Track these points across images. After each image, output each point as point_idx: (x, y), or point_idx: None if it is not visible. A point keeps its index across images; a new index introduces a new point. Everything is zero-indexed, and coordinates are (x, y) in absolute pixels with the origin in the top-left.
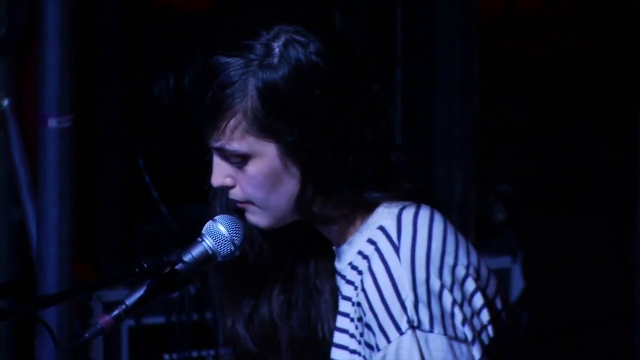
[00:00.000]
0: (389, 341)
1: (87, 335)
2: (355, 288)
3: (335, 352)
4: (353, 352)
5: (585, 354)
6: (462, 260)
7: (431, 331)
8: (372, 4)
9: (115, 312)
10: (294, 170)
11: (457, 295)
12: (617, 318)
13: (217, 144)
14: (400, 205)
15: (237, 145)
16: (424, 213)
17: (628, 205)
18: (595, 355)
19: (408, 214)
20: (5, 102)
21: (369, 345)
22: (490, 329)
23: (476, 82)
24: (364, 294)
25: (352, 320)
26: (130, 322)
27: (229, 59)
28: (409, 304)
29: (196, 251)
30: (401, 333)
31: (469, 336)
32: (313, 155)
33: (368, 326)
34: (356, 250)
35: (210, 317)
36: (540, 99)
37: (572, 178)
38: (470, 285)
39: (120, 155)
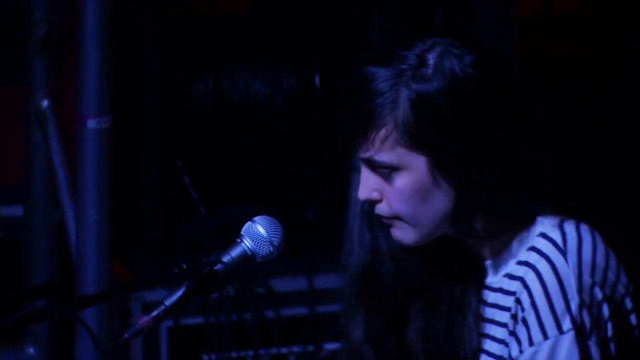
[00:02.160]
0: (546, 337)
1: (126, 335)
2: (514, 293)
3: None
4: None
5: None
6: (623, 279)
7: (590, 338)
8: (412, 4)
9: (155, 313)
10: (444, 185)
11: (611, 312)
12: None
13: (366, 155)
14: (558, 218)
15: (386, 156)
16: (586, 227)
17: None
18: None
19: (570, 226)
20: (45, 103)
21: (516, 339)
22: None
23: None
24: (527, 291)
25: (505, 328)
26: (169, 323)
27: (380, 69)
28: (574, 305)
29: (235, 252)
30: (562, 332)
31: (612, 349)
32: (465, 170)
33: (524, 320)
34: (515, 261)
35: (249, 318)
36: (572, 99)
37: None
38: (627, 304)
39: (159, 156)
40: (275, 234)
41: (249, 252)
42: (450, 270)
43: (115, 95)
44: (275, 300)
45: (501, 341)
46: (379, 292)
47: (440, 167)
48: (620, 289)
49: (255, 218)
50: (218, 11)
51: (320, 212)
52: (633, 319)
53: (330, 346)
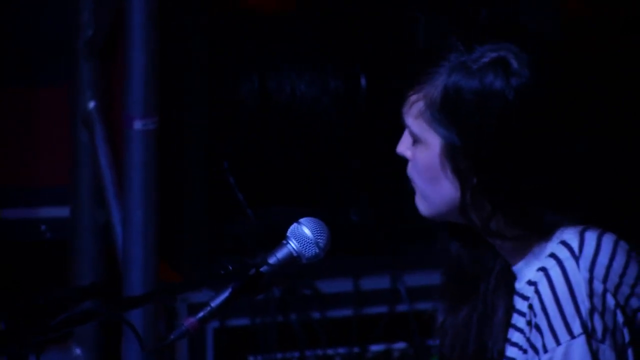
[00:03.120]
0: (558, 343)
1: (172, 336)
2: (528, 299)
3: None
4: None
5: None
6: (639, 292)
7: (603, 342)
8: (456, 5)
9: (200, 314)
10: (450, 175)
11: (625, 319)
12: None
13: (403, 110)
14: (583, 226)
15: (411, 121)
16: (609, 236)
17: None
18: None
19: (592, 233)
20: (92, 104)
21: (533, 348)
22: None
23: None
24: (538, 296)
25: (522, 334)
26: (215, 324)
27: (454, 51)
28: (584, 310)
29: (281, 253)
30: (573, 337)
31: (630, 356)
32: (469, 167)
33: (537, 327)
34: (536, 267)
35: (295, 319)
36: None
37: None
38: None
39: (205, 158)
40: (321, 236)
41: (295, 254)
42: (486, 273)
43: (162, 96)
44: (320, 301)
45: (520, 347)
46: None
47: (449, 154)
48: (635, 302)
49: (301, 220)
50: (262, 12)
51: (365, 214)
52: None
53: (375, 347)
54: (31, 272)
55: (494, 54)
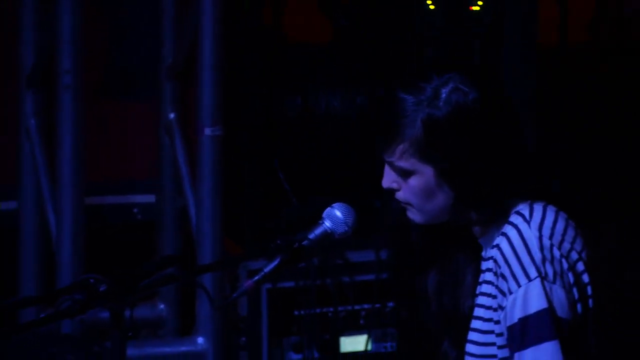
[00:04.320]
0: (519, 285)
1: (235, 295)
2: (492, 258)
3: (474, 322)
4: (488, 320)
5: None
6: (577, 247)
7: (554, 283)
8: (456, 39)
9: (257, 278)
10: (446, 189)
11: (569, 266)
12: None
13: (389, 159)
14: (530, 201)
15: (403, 163)
16: (551, 207)
17: None
18: None
19: (538, 205)
20: (172, 116)
21: (501, 292)
22: (590, 302)
23: (534, 108)
24: (500, 251)
25: (491, 284)
26: (268, 286)
27: (406, 96)
28: (538, 259)
29: (318, 231)
30: (530, 279)
31: (576, 296)
32: (461, 179)
33: (502, 275)
34: (499, 234)
35: (330, 282)
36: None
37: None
38: (580, 267)
39: (260, 157)
40: (349, 217)
41: (329, 231)
42: (457, 246)
43: (227, 109)
44: (349, 268)
45: (489, 295)
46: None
47: (443, 175)
48: (574, 255)
49: (334, 204)
50: (304, 42)
51: (384, 201)
52: (585, 277)
53: (391, 304)
54: (126, 246)
55: (448, 86)
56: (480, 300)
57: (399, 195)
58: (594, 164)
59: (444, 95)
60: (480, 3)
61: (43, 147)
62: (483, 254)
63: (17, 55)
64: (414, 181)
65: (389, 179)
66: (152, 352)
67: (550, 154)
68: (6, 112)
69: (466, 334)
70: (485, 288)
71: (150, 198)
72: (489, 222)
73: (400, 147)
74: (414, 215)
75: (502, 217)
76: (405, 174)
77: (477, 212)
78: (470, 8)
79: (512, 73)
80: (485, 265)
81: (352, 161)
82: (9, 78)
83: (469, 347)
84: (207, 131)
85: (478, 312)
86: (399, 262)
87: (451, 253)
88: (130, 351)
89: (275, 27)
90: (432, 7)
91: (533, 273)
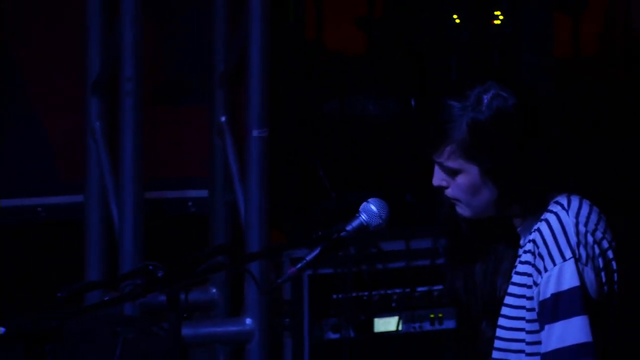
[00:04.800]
0: (554, 264)
1: (279, 281)
2: (532, 240)
3: (506, 299)
4: (520, 296)
5: None
6: (608, 237)
7: (586, 265)
8: (477, 49)
9: (299, 265)
10: (490, 186)
11: (598, 251)
12: None
13: (438, 160)
14: (568, 193)
15: (451, 163)
16: (586, 200)
17: None
18: None
19: (575, 197)
20: (222, 119)
21: (537, 270)
22: (615, 287)
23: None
24: (539, 233)
25: (528, 264)
26: (309, 272)
27: (452, 102)
28: (573, 242)
29: (355, 223)
30: (564, 259)
31: (604, 279)
32: (504, 176)
33: (540, 255)
34: (537, 222)
35: (365, 269)
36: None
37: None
38: (610, 254)
39: (302, 156)
40: (383, 211)
41: (365, 224)
42: (498, 236)
43: (272, 112)
44: (382, 257)
45: (524, 274)
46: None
47: (487, 173)
48: (605, 243)
49: (369, 199)
50: (341, 52)
51: (415, 196)
52: (613, 264)
53: (420, 289)
54: (181, 236)
55: (490, 92)
56: (515, 279)
57: (448, 192)
58: (604, 165)
59: (486, 101)
60: (501, 17)
61: (107, 147)
62: (521, 242)
63: (84, 65)
64: (461, 179)
65: (438, 177)
66: (205, 332)
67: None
68: (75, 116)
69: (499, 313)
70: (520, 268)
71: (203, 193)
72: (529, 214)
73: (448, 148)
74: (462, 210)
75: (540, 209)
76: (453, 173)
77: (519, 205)
78: (492, 22)
79: (529, 82)
80: (521, 252)
81: (385, 159)
82: (77, 85)
83: (501, 321)
84: (255, 132)
85: (512, 289)
86: (451, 253)
87: (492, 243)
88: (185, 331)
89: (316, 39)
90: (457, 21)
91: (568, 254)
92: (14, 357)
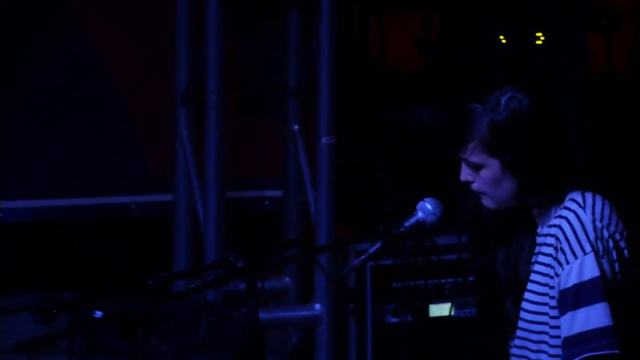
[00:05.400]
0: (576, 257)
1: (345, 271)
2: (554, 235)
3: (530, 285)
4: (544, 285)
5: None
6: (619, 229)
7: (603, 257)
8: (516, 64)
9: (363, 257)
10: (510, 178)
11: (612, 245)
12: None
13: (463, 156)
14: (582, 190)
15: (474, 159)
16: (599, 196)
17: None
18: None
19: (589, 194)
20: (296, 127)
21: (559, 263)
22: (628, 272)
23: (583, 125)
24: (561, 230)
25: (550, 257)
26: (372, 263)
27: (474, 105)
28: (592, 237)
29: (412, 220)
30: (585, 253)
31: (617, 269)
32: (523, 168)
33: (562, 250)
34: (555, 215)
35: (421, 260)
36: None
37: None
38: (622, 244)
39: (365, 160)
40: (438, 209)
41: (421, 220)
42: (518, 226)
43: (340, 121)
44: (437, 250)
45: (547, 265)
46: (486, 239)
47: (507, 166)
48: (617, 235)
49: (425, 199)
50: (402, 68)
51: (464, 195)
52: (626, 253)
53: (470, 278)
54: (258, 231)
55: (507, 95)
56: (537, 268)
57: (474, 186)
58: (632, 172)
59: (503, 103)
60: (542, 38)
61: (193, 152)
62: (539, 230)
63: (174, 79)
64: (484, 173)
65: (465, 173)
66: (279, 316)
67: (599, 163)
68: (165, 125)
69: (522, 296)
70: (541, 259)
71: (278, 193)
72: (546, 205)
73: (471, 145)
74: (487, 202)
75: (557, 201)
76: (477, 167)
77: (537, 196)
78: (534, 42)
79: (565, 96)
80: (540, 240)
81: (438, 162)
82: (167, 98)
83: (525, 305)
84: (324, 139)
85: (535, 277)
86: (475, 241)
87: (514, 231)
88: (262, 315)
89: (378, 56)
90: (503, 41)
91: (588, 248)
92: (110, 337)
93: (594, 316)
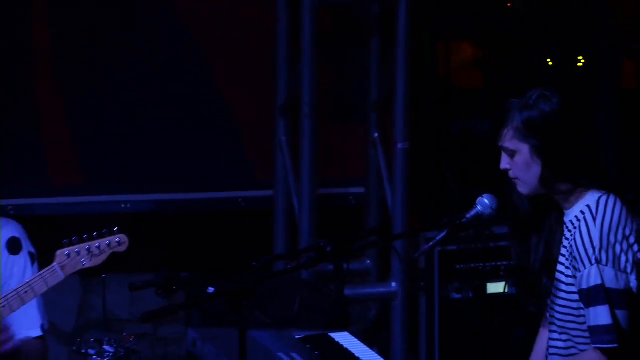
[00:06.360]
0: (585, 267)
1: (416, 255)
2: (571, 237)
3: (559, 267)
4: (567, 267)
5: None
6: (634, 228)
7: (606, 265)
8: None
9: (431, 243)
10: (538, 162)
11: (625, 248)
12: None
13: (501, 144)
14: (601, 192)
15: (508, 144)
16: (613, 199)
17: None
18: None
19: (604, 200)
20: (376, 135)
21: (574, 267)
22: None
23: (617, 136)
24: (574, 241)
25: (567, 249)
26: (439, 248)
27: (514, 100)
28: (597, 249)
29: (473, 212)
30: (591, 264)
31: (629, 270)
32: (548, 154)
33: (574, 257)
34: (576, 212)
35: (480, 246)
36: None
37: None
38: (635, 247)
39: (434, 163)
40: (494, 203)
41: (480, 213)
42: (549, 214)
43: (413, 130)
44: (494, 237)
45: (565, 260)
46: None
47: (535, 152)
48: (632, 239)
49: (484, 194)
50: (463, 86)
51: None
52: (636, 247)
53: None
54: (344, 221)
55: (537, 93)
56: (562, 259)
57: (511, 173)
58: None
59: (534, 97)
60: (583, 61)
61: (290, 155)
62: (565, 218)
63: (275, 93)
64: (517, 158)
65: (504, 162)
66: (361, 292)
67: (630, 170)
68: (267, 132)
69: (555, 273)
70: (564, 251)
71: (361, 190)
72: (570, 194)
73: (507, 132)
74: (521, 187)
75: (579, 194)
76: (512, 154)
77: (559, 183)
78: (576, 64)
79: (602, 109)
80: (565, 229)
81: (495, 164)
82: (268, 109)
83: (559, 276)
84: (400, 145)
85: (562, 259)
86: (514, 228)
87: (546, 219)
88: (347, 291)
89: (445, 76)
90: (550, 63)
91: (593, 260)
92: (220, 309)
93: (599, 315)
